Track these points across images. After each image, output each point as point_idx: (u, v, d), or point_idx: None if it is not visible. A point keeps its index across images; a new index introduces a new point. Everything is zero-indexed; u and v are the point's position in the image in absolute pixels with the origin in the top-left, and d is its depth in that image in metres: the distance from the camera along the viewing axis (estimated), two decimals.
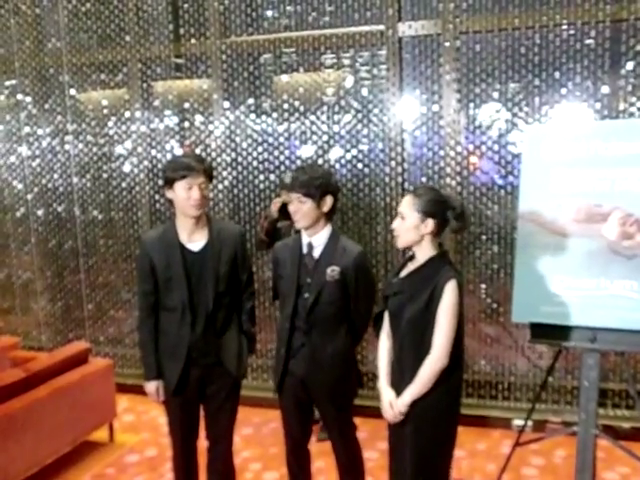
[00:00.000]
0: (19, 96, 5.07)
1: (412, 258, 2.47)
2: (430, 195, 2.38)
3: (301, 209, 2.60)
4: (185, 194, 2.54)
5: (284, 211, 3.52)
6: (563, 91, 3.80)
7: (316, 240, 2.66)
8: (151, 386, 2.75)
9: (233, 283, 2.75)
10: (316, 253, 2.67)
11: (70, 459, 3.73)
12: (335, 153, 4.30)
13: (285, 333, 2.69)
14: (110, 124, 4.87)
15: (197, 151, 4.59)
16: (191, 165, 2.54)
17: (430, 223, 2.34)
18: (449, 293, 2.30)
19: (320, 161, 4.30)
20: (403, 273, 2.49)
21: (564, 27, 3.74)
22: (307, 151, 4.36)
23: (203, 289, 2.65)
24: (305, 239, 2.69)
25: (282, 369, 2.71)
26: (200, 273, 2.65)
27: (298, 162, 4.35)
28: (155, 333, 2.73)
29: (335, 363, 2.67)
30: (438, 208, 2.36)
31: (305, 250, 2.68)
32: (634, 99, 3.70)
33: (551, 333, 2.98)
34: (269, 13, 4.40)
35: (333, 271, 2.61)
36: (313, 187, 2.57)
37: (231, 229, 2.84)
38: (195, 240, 2.67)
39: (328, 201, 2.62)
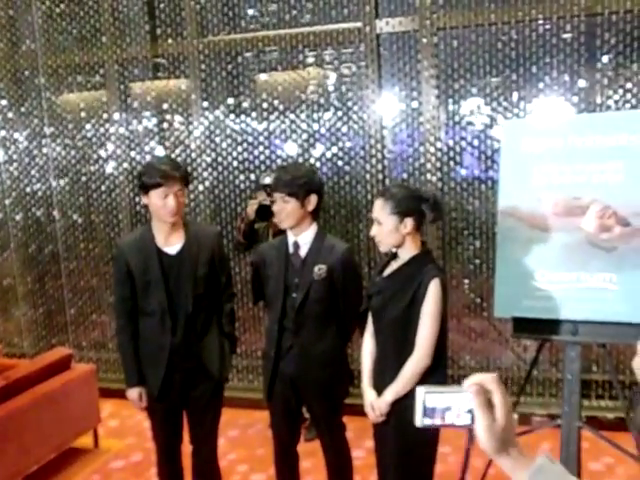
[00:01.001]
0: None
1: (395, 256, 2.46)
2: (401, 194, 2.34)
3: (285, 209, 2.57)
4: (160, 202, 2.51)
5: (261, 213, 3.50)
6: (541, 85, 3.82)
7: (302, 239, 2.64)
8: (133, 393, 2.72)
9: (212, 285, 2.72)
10: (302, 252, 2.65)
11: (55, 466, 3.69)
12: (316, 151, 4.28)
13: (274, 334, 2.66)
14: (88, 126, 4.82)
15: (177, 151, 4.55)
16: (167, 173, 2.49)
17: (409, 222, 2.32)
18: (432, 292, 2.29)
19: (301, 159, 4.28)
20: (386, 272, 2.47)
21: (540, 22, 3.75)
22: (289, 149, 4.34)
23: (182, 292, 2.63)
24: (291, 238, 2.66)
25: (272, 371, 2.69)
26: (178, 276, 2.63)
27: (279, 161, 4.33)
28: (135, 338, 2.70)
29: (325, 362, 2.67)
30: (412, 204, 2.33)
31: (291, 250, 2.66)
32: (611, 92, 3.73)
33: (533, 327, 2.99)
34: (247, 12, 4.37)
35: (320, 269, 2.59)
36: (296, 186, 2.55)
37: (208, 231, 2.82)
38: (172, 243, 2.64)
39: (312, 200, 2.60)
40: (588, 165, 2.88)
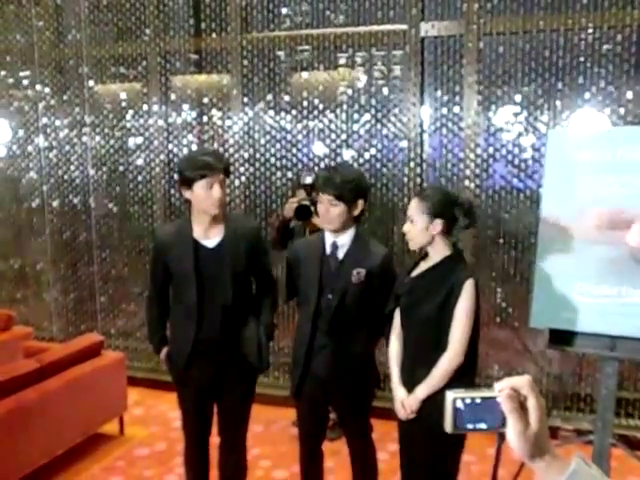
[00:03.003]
0: (38, 87, 5.07)
1: (425, 257, 2.46)
2: (436, 196, 2.37)
3: (331, 212, 2.52)
4: (205, 193, 2.50)
5: (300, 212, 3.44)
6: (586, 95, 3.75)
7: (341, 240, 2.60)
8: (162, 355, 2.85)
9: (250, 278, 2.74)
10: (340, 254, 2.60)
11: (80, 451, 3.72)
12: (353, 152, 4.27)
13: (306, 334, 2.64)
14: (128, 117, 4.87)
15: (215, 145, 4.59)
16: (211, 164, 2.50)
17: (438, 223, 2.33)
18: (467, 292, 2.30)
19: (338, 160, 4.27)
20: (415, 272, 2.47)
21: (590, 31, 3.69)
22: (326, 149, 4.33)
23: (219, 285, 2.63)
24: (329, 239, 2.62)
25: (302, 371, 2.67)
26: (216, 269, 2.63)
27: (316, 160, 4.33)
28: (164, 314, 2.81)
29: (357, 364, 2.65)
30: (445, 208, 2.35)
31: (329, 250, 2.62)
32: None
33: (569, 339, 2.95)
34: (290, 10, 4.38)
35: (359, 273, 2.55)
36: (347, 190, 2.49)
37: (248, 224, 2.84)
38: (211, 236, 2.64)
39: (359, 205, 2.56)
40: (635, 178, 2.82)
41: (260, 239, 2.84)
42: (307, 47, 4.31)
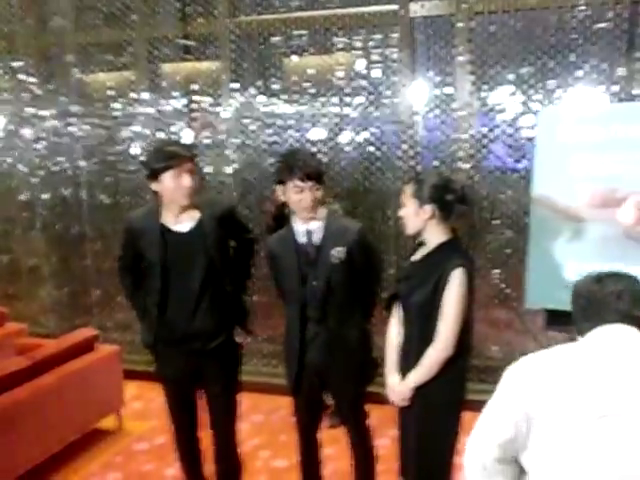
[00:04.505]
0: (22, 76, 4.97)
1: (424, 243, 2.44)
2: (429, 181, 2.34)
3: (314, 197, 2.49)
4: (174, 184, 2.44)
5: None
6: (579, 73, 3.71)
7: (313, 226, 2.55)
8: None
9: (228, 260, 2.71)
10: (316, 238, 2.55)
11: (78, 447, 3.70)
12: (346, 136, 4.23)
13: (296, 326, 2.59)
14: (117, 106, 4.79)
15: (206, 133, 4.52)
16: (177, 153, 2.45)
17: (428, 209, 2.30)
18: (455, 282, 2.26)
19: (331, 144, 4.23)
20: (415, 257, 2.46)
21: (581, 8, 3.64)
22: (318, 134, 4.29)
23: (191, 271, 2.58)
24: (301, 227, 2.56)
25: (297, 364, 2.63)
26: (189, 254, 2.57)
27: (308, 145, 4.28)
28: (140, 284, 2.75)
29: (353, 348, 2.62)
30: (436, 193, 2.30)
31: (304, 239, 2.56)
32: None
33: (566, 319, 2.93)
34: None
35: (339, 252, 2.51)
36: (323, 173, 2.51)
37: (222, 205, 2.78)
38: (183, 221, 2.58)
39: (324, 183, 2.57)
40: (627, 155, 2.81)
41: (236, 215, 2.82)
42: (297, 30, 4.23)
